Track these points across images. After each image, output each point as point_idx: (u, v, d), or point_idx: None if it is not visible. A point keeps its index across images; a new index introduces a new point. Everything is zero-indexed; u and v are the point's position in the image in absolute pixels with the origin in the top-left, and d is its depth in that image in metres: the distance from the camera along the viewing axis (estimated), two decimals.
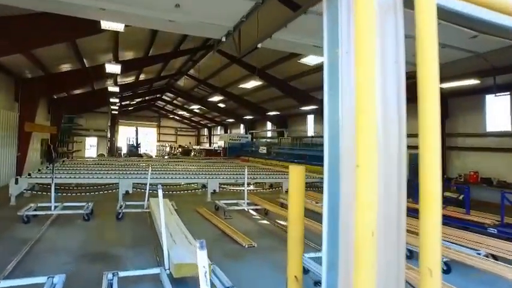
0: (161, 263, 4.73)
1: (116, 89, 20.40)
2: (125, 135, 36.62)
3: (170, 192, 11.30)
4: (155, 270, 4.44)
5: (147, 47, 14.45)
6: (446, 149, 12.91)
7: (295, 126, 24.07)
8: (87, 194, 10.77)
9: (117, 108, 31.07)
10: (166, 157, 30.24)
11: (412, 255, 4.86)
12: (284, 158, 20.08)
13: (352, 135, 1.79)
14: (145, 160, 21.55)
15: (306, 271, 4.57)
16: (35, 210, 7.69)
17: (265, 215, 8.95)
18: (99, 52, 13.47)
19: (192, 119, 41.27)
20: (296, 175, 2.35)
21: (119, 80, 19.18)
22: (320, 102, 17.69)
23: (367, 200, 1.62)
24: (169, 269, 4.28)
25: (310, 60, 12.57)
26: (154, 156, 32.73)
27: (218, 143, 32.53)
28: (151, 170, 9.84)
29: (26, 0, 6.99)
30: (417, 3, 1.61)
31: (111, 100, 25.48)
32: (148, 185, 9.00)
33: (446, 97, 12.18)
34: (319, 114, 20.34)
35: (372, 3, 1.59)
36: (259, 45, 7.88)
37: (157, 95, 33.49)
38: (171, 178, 11.98)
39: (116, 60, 14.29)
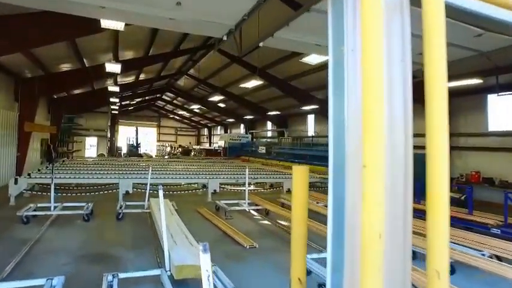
0: (162, 264, 4.68)
1: (116, 89, 20.35)
2: (125, 135, 36.56)
3: (170, 192, 11.25)
4: (156, 272, 4.38)
5: (147, 46, 14.40)
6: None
7: (296, 126, 24.03)
8: (87, 194, 10.71)
9: (117, 108, 31.03)
10: (166, 157, 30.20)
11: (415, 256, 4.80)
12: (284, 158, 20.03)
13: (358, 134, 1.74)
14: (145, 160, 21.50)
15: (308, 272, 4.51)
16: (35, 210, 7.64)
17: (266, 215, 8.90)
18: (99, 52, 13.42)
19: (192, 118, 41.24)
20: (300, 175, 2.29)
21: (118, 79, 19.13)
22: (320, 102, 17.70)
23: (374, 201, 1.57)
24: (170, 271, 4.23)
25: (312, 59, 12.50)
26: (154, 156, 32.68)
27: (218, 142, 32.47)
28: (152, 170, 9.79)
29: None
30: (425, 1, 1.56)
31: (111, 100, 25.43)
32: (148, 185, 8.96)
33: (448, 96, 12.10)
34: (319, 114, 20.29)
35: (379, 1, 1.54)
36: (260, 44, 7.83)
37: (158, 95, 33.45)
38: (172, 178, 11.93)
39: (116, 59, 14.23)
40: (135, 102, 33.80)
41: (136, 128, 34.21)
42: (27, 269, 4.76)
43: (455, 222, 7.38)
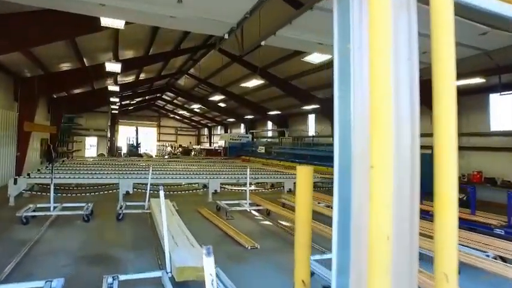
0: (163, 265, 4.62)
1: (116, 89, 20.29)
2: (125, 135, 36.51)
3: (171, 193, 11.20)
4: (157, 274, 4.32)
5: (147, 45, 14.33)
6: None
7: (296, 125, 23.97)
8: (87, 194, 10.66)
9: (117, 107, 30.98)
10: (166, 157, 30.17)
11: (420, 258, 4.74)
12: (285, 158, 20.00)
13: (365, 134, 1.68)
14: (145, 160, 21.47)
15: (311, 274, 4.45)
16: (34, 211, 7.58)
17: (267, 215, 8.85)
18: (99, 51, 13.36)
19: (193, 118, 41.21)
20: (304, 176, 2.23)
21: (119, 79, 19.06)
22: (321, 101, 17.64)
23: (382, 202, 1.51)
24: (171, 272, 4.17)
25: (314, 58, 12.42)
26: (154, 156, 32.65)
27: (218, 142, 32.44)
28: (152, 170, 9.73)
29: None
30: None
31: (111, 99, 25.38)
32: (149, 185, 8.90)
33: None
34: (320, 113, 20.24)
35: None
36: (262, 43, 7.76)
37: (158, 95, 33.42)
38: (172, 178, 11.88)
39: (116, 59, 14.17)
40: (135, 102, 33.76)
41: (137, 128, 34.16)
42: (26, 270, 4.71)
43: (458, 222, 7.33)
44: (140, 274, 4.30)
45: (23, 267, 4.82)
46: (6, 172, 12.01)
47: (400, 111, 1.75)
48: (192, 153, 34.08)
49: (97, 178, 10.85)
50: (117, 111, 32.72)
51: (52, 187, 7.98)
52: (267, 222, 8.30)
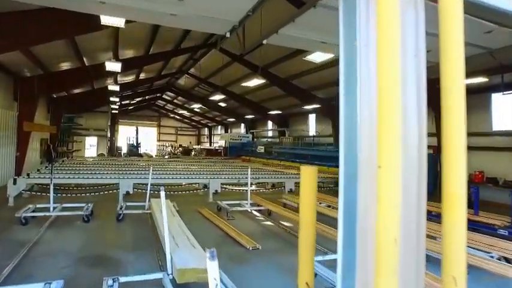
0: (163, 267, 4.56)
1: (116, 88, 20.24)
2: (125, 134, 36.48)
3: (171, 193, 11.14)
4: (157, 275, 4.26)
5: (147, 45, 14.28)
6: None
7: (297, 125, 23.93)
8: (87, 194, 10.60)
9: (117, 107, 30.93)
10: (166, 157, 30.15)
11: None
12: (286, 158, 19.96)
13: (372, 134, 1.63)
14: (145, 160, 21.44)
15: None
16: (34, 211, 7.53)
17: (268, 215, 8.79)
18: (99, 50, 13.30)
19: (193, 118, 41.17)
20: (308, 176, 2.17)
21: (119, 79, 19.01)
22: (322, 101, 17.60)
23: (390, 203, 1.47)
24: (172, 274, 4.11)
25: (316, 57, 12.33)
26: (154, 156, 32.62)
27: (219, 142, 32.40)
28: (152, 170, 9.68)
29: None
30: None
31: (111, 99, 25.33)
32: (149, 185, 8.84)
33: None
34: (320, 113, 20.19)
35: None
36: (264, 42, 7.69)
37: (158, 94, 33.37)
38: (172, 178, 11.82)
39: (116, 58, 14.12)
40: (135, 101, 33.71)
41: (137, 128, 34.15)
42: (25, 271, 4.66)
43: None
44: (141, 276, 4.24)
45: (22, 268, 4.77)
46: (5, 172, 11.97)
47: (407, 110, 1.70)
48: (192, 153, 34.07)
49: (97, 178, 10.80)
50: (117, 111, 32.66)
51: (52, 187, 7.93)
52: (268, 223, 8.24)
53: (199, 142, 44.78)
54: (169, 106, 38.62)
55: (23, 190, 9.38)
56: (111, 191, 10.80)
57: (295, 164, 17.22)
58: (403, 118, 1.60)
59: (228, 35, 8.27)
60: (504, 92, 10.51)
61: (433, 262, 3.47)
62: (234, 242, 6.37)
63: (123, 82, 20.69)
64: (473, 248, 5.41)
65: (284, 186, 12.23)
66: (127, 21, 8.42)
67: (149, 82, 24.60)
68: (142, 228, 7.20)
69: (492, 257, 5.13)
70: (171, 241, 4.47)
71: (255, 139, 29.39)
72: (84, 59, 13.37)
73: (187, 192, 11.91)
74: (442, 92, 1.48)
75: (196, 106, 31.29)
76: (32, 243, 5.80)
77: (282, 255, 5.68)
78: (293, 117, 24.10)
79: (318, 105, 18.48)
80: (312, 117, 22.25)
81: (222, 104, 27.86)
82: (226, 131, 35.53)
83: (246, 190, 9.60)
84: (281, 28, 6.95)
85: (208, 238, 6.44)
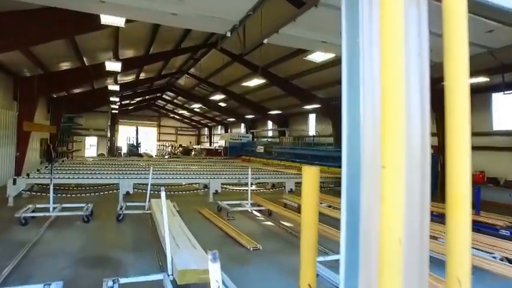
0: (164, 268, 4.53)
1: (116, 88, 20.22)
2: (125, 134, 36.49)
3: (171, 193, 11.12)
4: (158, 276, 4.23)
5: (147, 44, 14.26)
6: None
7: (297, 125, 23.91)
8: (87, 194, 10.58)
9: (117, 107, 30.92)
10: (166, 157, 30.13)
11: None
12: (286, 158, 19.93)
13: (375, 133, 1.60)
14: (145, 160, 21.41)
15: None
16: (33, 211, 7.50)
17: (268, 215, 8.77)
18: (99, 50, 13.28)
19: (193, 118, 41.16)
20: (310, 176, 2.14)
21: (119, 78, 18.99)
22: (322, 101, 17.57)
23: (394, 203, 1.44)
24: (172, 275, 4.08)
25: (316, 57, 12.31)
26: (154, 156, 32.61)
27: (219, 142, 32.37)
28: (152, 170, 9.65)
29: None
30: None
31: (111, 99, 25.31)
32: (149, 185, 8.82)
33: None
34: (320, 113, 20.17)
35: None
36: (265, 41, 7.66)
37: (158, 94, 33.35)
38: (173, 178, 11.80)
39: (116, 58, 14.10)
40: (135, 101, 33.71)
41: (137, 128, 34.14)
42: (24, 272, 4.63)
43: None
44: (141, 277, 4.21)
45: (22, 269, 4.74)
46: (5, 172, 11.95)
47: (410, 108, 1.68)
48: (192, 153, 34.05)
49: (97, 178, 10.77)
50: (117, 111, 32.66)
51: (51, 187, 7.90)
52: (269, 223, 8.22)
53: (199, 142, 44.76)
54: (169, 106, 38.61)
55: (22, 190, 9.36)
56: (111, 191, 10.77)
57: (295, 164, 17.19)
58: (407, 117, 1.58)
59: (228, 34, 8.24)
60: (505, 92, 10.48)
61: (435, 263, 3.44)
62: (235, 243, 6.35)
63: (123, 82, 20.67)
64: (476, 249, 5.38)
65: (284, 186, 12.21)
66: (127, 21, 8.40)
67: (149, 82, 24.57)
68: (142, 229, 7.17)
69: (494, 257, 5.10)
70: (171, 242, 4.43)
71: (255, 139, 29.36)
72: (84, 58, 13.35)
73: (187, 192, 11.88)
74: (446, 91, 1.46)
75: (196, 106, 31.27)
76: (31, 244, 5.78)
77: (283, 256, 5.66)
78: (293, 117, 24.07)
79: (318, 105, 18.45)
80: (312, 117, 22.24)
81: (222, 104, 27.83)
82: (226, 131, 35.51)
83: (246, 190, 9.57)
84: (282, 27, 6.92)
85: (208, 238, 6.41)
